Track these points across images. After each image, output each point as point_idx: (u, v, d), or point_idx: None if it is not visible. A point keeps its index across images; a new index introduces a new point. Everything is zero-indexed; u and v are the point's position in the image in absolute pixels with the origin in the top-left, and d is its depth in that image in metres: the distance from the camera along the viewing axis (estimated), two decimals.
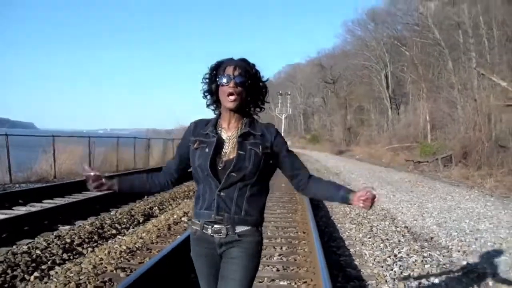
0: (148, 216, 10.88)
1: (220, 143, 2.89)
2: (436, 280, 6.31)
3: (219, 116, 3.01)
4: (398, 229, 10.14)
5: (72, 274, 5.92)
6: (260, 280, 5.93)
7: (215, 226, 2.83)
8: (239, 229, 2.85)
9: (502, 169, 21.62)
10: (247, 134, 2.88)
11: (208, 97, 3.01)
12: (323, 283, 5.08)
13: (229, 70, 2.85)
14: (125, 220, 10.02)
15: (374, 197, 2.83)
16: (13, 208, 11.22)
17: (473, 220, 11.29)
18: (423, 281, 6.29)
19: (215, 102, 3.00)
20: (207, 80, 2.97)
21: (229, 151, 2.87)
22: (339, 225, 10.26)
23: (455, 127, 32.38)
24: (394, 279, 6.31)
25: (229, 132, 2.93)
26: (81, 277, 5.78)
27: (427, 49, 45.48)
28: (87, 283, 5.62)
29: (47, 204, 11.78)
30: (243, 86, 2.84)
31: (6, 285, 5.68)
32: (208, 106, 3.05)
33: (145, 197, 13.91)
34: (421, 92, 46.17)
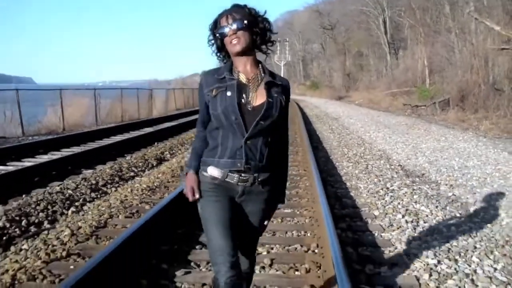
0: (160, 160, 11.75)
1: (241, 85, 2.83)
2: (423, 208, 7.12)
3: (231, 62, 2.94)
4: (392, 167, 10.91)
5: (103, 208, 6.85)
6: None
7: (242, 175, 2.79)
8: (262, 176, 2.84)
9: (498, 111, 21.86)
10: (271, 83, 2.86)
11: (214, 46, 2.98)
12: (322, 209, 5.83)
13: (223, 21, 2.83)
14: (140, 164, 10.90)
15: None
16: (36, 156, 12.06)
17: (462, 158, 11.99)
18: (410, 207, 7.12)
19: (221, 50, 2.97)
20: (212, 41, 2.96)
21: (253, 97, 2.82)
22: (337, 164, 11.13)
23: (452, 71, 32.05)
24: (384, 206, 7.17)
25: (248, 75, 2.88)
26: (112, 210, 6.69)
27: None
28: (118, 214, 6.52)
29: (66, 152, 12.64)
30: (242, 28, 2.79)
31: (49, 218, 6.57)
32: (214, 54, 3.03)
33: (156, 143, 14.76)
34: (419, 37, 46.14)
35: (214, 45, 2.96)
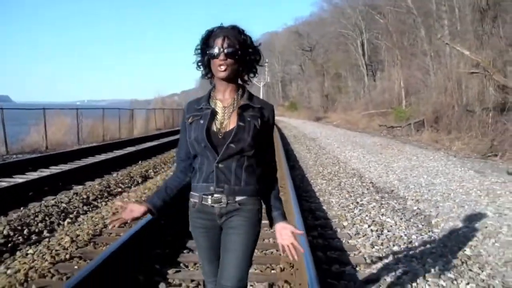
0: (145, 178, 12.39)
1: (214, 113, 2.88)
2: (388, 219, 7.83)
3: (212, 89, 3.00)
4: (364, 184, 11.63)
5: (97, 219, 7.51)
6: None
7: (215, 195, 2.82)
8: (239, 198, 2.85)
9: (470, 132, 22.40)
10: (246, 107, 2.89)
11: (201, 68, 2.98)
12: (296, 220, 6.48)
13: (219, 42, 2.80)
14: (126, 180, 11.55)
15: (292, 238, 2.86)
16: (26, 173, 12.62)
17: (430, 176, 12.72)
18: (377, 219, 7.84)
19: (209, 73, 2.96)
20: (199, 52, 2.95)
21: (226, 122, 2.85)
22: (312, 181, 11.84)
23: (428, 93, 32.91)
24: (353, 218, 7.89)
25: (225, 103, 2.92)
26: (105, 221, 7.35)
27: (401, 17, 46.40)
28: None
29: (55, 169, 13.18)
30: (233, 57, 2.80)
31: (48, 228, 7.20)
32: (203, 76, 3.02)
33: (140, 162, 15.39)
34: (395, 59, 47.10)
35: (202, 67, 2.97)
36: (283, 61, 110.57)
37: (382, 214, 8.21)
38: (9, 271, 5.13)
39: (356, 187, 11.06)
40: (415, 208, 8.95)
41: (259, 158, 2.91)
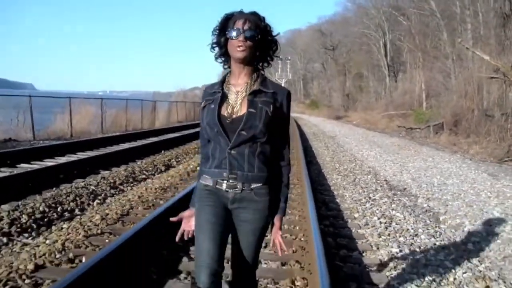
0: (168, 166, 12.93)
1: (225, 98, 2.88)
2: (398, 214, 8.25)
3: (228, 73, 3.00)
4: (378, 181, 12.03)
5: (124, 201, 8.05)
6: None
7: (230, 181, 2.81)
8: (254, 185, 2.84)
9: (488, 137, 22.34)
10: (258, 92, 2.85)
11: (217, 49, 2.96)
12: (310, 210, 6.93)
13: (239, 23, 2.79)
14: (150, 168, 12.12)
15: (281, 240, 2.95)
16: (55, 158, 13.24)
17: (444, 176, 13.07)
18: (387, 213, 8.27)
19: (224, 54, 2.96)
20: (216, 32, 2.92)
21: (238, 107, 2.84)
22: (327, 176, 12.29)
23: (448, 96, 32.52)
24: (364, 211, 8.34)
25: (238, 87, 2.90)
26: (131, 203, 7.87)
27: (424, 19, 46.49)
28: (137, 206, 7.70)
29: (82, 155, 13.82)
30: (252, 40, 2.78)
31: (79, 207, 7.77)
32: (216, 59, 3.01)
33: (162, 151, 15.96)
34: (417, 61, 47.18)
35: (217, 48, 2.96)
36: (306, 59, 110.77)
37: (393, 209, 8.63)
38: (47, 241, 5.67)
39: (370, 184, 11.47)
40: (425, 205, 9.33)
41: (272, 144, 2.90)
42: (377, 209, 8.57)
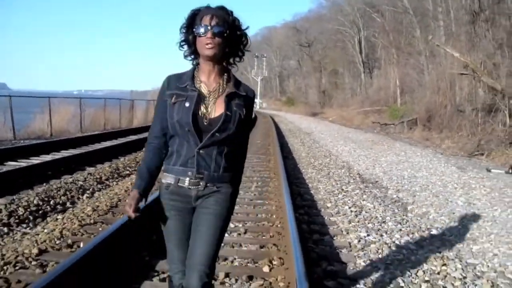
0: (135, 168, 13.35)
1: (200, 97, 2.84)
2: (368, 204, 8.84)
3: (195, 67, 2.96)
4: (351, 175, 12.59)
5: (111, 195, 8.57)
6: (243, 199, 8.55)
7: (195, 179, 2.83)
8: (218, 184, 2.89)
9: (460, 132, 23.07)
10: (233, 94, 2.87)
11: (185, 47, 2.94)
12: (286, 200, 7.46)
13: (206, 19, 2.77)
14: (133, 164, 12.64)
15: None
16: (40, 156, 13.65)
17: (414, 170, 13.68)
18: (358, 203, 8.85)
19: (193, 53, 2.94)
20: (184, 30, 2.90)
21: (211, 108, 2.83)
22: (303, 170, 12.86)
23: (422, 92, 33.19)
24: (336, 201, 8.93)
25: (210, 87, 2.88)
26: (119, 196, 8.42)
27: (398, 16, 47.13)
28: (125, 198, 8.21)
29: (66, 153, 14.26)
30: (221, 36, 2.76)
31: (70, 200, 8.27)
32: (185, 57, 2.99)
33: (143, 148, 16.41)
34: (392, 58, 47.74)
35: (186, 45, 2.94)
36: (281, 56, 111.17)
37: (363, 200, 9.20)
38: (45, 230, 6.20)
39: (343, 177, 12.04)
40: (394, 196, 9.92)
41: (237, 145, 2.99)
42: (349, 200, 9.15)
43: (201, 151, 2.79)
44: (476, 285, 5.01)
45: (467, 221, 7.79)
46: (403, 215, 8.15)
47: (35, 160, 12.44)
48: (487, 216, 8.11)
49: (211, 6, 2.86)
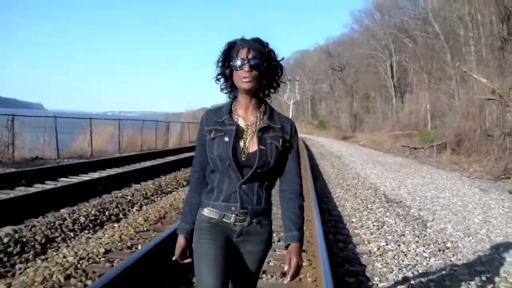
0: (188, 182, 14.35)
1: (239, 131, 2.80)
2: (390, 220, 9.67)
3: (233, 101, 2.92)
4: (377, 195, 13.40)
5: (158, 208, 9.59)
6: (276, 214, 9.44)
7: (240, 215, 2.77)
8: (261, 218, 2.83)
9: (488, 156, 23.24)
10: (266, 128, 2.81)
11: (222, 80, 2.90)
12: (314, 215, 8.32)
13: (243, 52, 2.74)
14: (173, 183, 13.66)
15: (296, 268, 2.77)
16: (88, 173, 14.78)
17: (437, 191, 14.41)
18: (381, 219, 9.69)
19: (230, 86, 2.90)
20: (220, 63, 2.86)
21: (249, 143, 2.79)
22: (331, 190, 13.75)
23: (452, 116, 33.33)
24: (361, 217, 9.79)
25: (247, 121, 2.84)
26: (165, 209, 9.45)
27: (429, 41, 47.63)
28: (171, 211, 9.26)
29: (112, 171, 15.37)
30: (258, 69, 2.73)
31: (121, 212, 9.28)
32: (222, 90, 2.94)
33: (182, 168, 17.41)
34: (423, 82, 48.12)
35: (222, 79, 2.90)
36: (313, 79, 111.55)
37: (386, 216, 10.05)
38: (106, 235, 7.20)
39: (369, 197, 12.87)
40: (416, 214, 10.69)
41: (279, 175, 2.91)
42: (373, 216, 10.02)
43: (243, 186, 2.77)
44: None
45: (480, 235, 8.57)
46: (422, 230, 8.94)
47: (85, 177, 13.58)
48: (500, 232, 8.89)
49: (246, 39, 2.85)
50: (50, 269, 5.44)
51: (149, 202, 10.60)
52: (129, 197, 10.60)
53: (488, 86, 25.92)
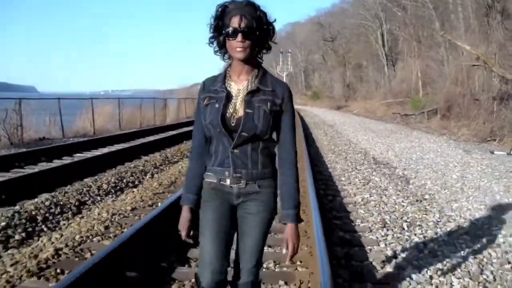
0: (181, 157, 15.32)
1: (229, 97, 2.81)
2: (376, 178, 10.81)
3: (228, 67, 2.91)
4: (366, 158, 14.53)
5: (169, 175, 10.81)
6: None
7: (235, 178, 2.80)
8: (259, 181, 2.82)
9: (477, 120, 23.87)
10: (256, 91, 2.78)
11: (215, 43, 2.84)
12: (308, 175, 9.41)
13: (235, 21, 2.67)
14: (178, 154, 14.80)
15: (294, 250, 2.79)
16: (98, 149, 15.99)
17: (423, 153, 15.52)
18: (367, 177, 10.85)
19: (223, 47, 2.83)
20: (212, 30, 2.82)
21: (239, 107, 2.78)
22: (323, 155, 14.93)
23: (442, 83, 34.00)
24: (349, 176, 10.97)
25: (239, 85, 2.83)
26: (175, 176, 10.60)
27: (418, 10, 48.21)
28: (180, 177, 10.41)
29: (120, 146, 16.58)
30: (251, 38, 2.69)
31: (137, 180, 10.45)
32: (215, 52, 2.90)
33: (184, 141, 18.48)
34: (413, 50, 48.76)
35: (215, 42, 2.84)
36: (306, 51, 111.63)
37: (372, 175, 11.19)
38: (128, 198, 8.41)
39: (359, 160, 14.01)
40: (400, 173, 11.80)
41: (275, 140, 2.89)
42: (360, 175, 11.20)
43: (235, 151, 2.78)
44: (447, 234, 6.88)
45: (455, 188, 9.72)
46: (404, 186, 10.09)
47: (97, 152, 14.78)
48: (473, 185, 10.02)
49: (238, 1, 2.75)
50: (90, 223, 6.65)
51: (159, 171, 11.71)
52: (141, 167, 11.73)
53: (473, 52, 26.65)
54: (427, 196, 9.05)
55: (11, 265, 4.96)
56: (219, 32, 2.78)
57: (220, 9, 2.76)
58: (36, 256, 5.21)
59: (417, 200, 8.61)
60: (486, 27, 29.27)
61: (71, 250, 5.46)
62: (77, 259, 5.24)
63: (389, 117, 39.20)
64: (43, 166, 11.94)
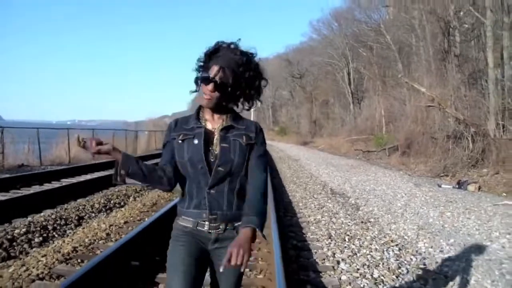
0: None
1: (208, 133, 2.81)
2: (330, 205, 12.38)
3: (201, 108, 2.91)
4: (324, 189, 16.03)
5: (150, 198, 12.29)
6: None
7: (212, 221, 2.76)
8: (235, 223, 2.77)
9: (434, 157, 25.11)
10: (230, 127, 2.82)
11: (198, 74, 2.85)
12: (270, 200, 10.86)
13: (213, 70, 2.72)
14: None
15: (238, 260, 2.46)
16: (81, 175, 17.46)
17: (376, 185, 17.05)
18: (322, 203, 12.49)
19: (197, 84, 2.86)
20: (198, 68, 2.86)
21: (216, 144, 2.78)
22: (286, 185, 16.55)
23: (403, 121, 35.19)
24: (307, 202, 12.63)
25: (214, 125, 2.85)
26: (156, 199, 12.12)
27: (383, 52, 49.98)
28: (161, 200, 11.83)
29: (103, 174, 18.09)
30: (221, 91, 2.72)
31: (123, 201, 11.94)
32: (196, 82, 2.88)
33: None
34: (377, 89, 50.25)
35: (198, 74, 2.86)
36: (274, 86, 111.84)
37: (327, 203, 12.76)
38: (118, 215, 9.92)
39: (317, 190, 15.54)
40: (353, 202, 13.32)
41: (251, 179, 2.82)
42: (316, 202, 12.81)
43: (211, 191, 2.75)
44: (380, 245, 8.47)
45: (398, 214, 11.30)
46: (354, 211, 11.65)
47: (81, 178, 16.21)
48: (414, 211, 11.62)
49: (230, 49, 2.83)
50: (93, 231, 8.17)
51: (140, 195, 13.22)
52: (124, 191, 13.24)
53: (428, 94, 28.31)
54: (372, 219, 10.59)
55: (42, 256, 6.45)
56: (199, 72, 2.87)
57: (213, 48, 2.85)
58: (59, 251, 6.70)
59: (362, 222, 10.19)
60: (443, 70, 30.97)
61: (84, 248, 7.00)
62: (91, 254, 6.75)
63: (352, 153, 40.35)
64: (36, 188, 13.36)
